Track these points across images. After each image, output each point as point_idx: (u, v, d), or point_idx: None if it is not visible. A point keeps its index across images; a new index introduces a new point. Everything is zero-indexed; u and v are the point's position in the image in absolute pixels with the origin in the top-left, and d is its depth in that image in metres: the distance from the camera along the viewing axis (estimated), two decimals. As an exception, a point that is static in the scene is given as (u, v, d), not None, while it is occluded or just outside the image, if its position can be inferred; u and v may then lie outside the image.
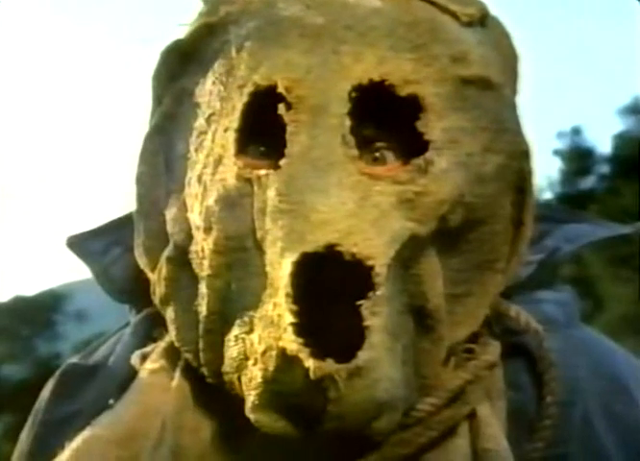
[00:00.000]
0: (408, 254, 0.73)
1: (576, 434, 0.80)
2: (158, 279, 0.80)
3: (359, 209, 0.70)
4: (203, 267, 0.76)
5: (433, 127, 0.74)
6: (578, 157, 8.25)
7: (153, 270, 0.81)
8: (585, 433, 0.80)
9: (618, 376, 0.84)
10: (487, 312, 0.80)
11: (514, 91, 0.83)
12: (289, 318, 0.67)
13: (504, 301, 0.83)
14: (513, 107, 0.81)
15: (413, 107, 0.74)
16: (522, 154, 0.80)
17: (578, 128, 8.37)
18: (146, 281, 0.82)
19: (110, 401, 0.82)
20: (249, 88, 0.74)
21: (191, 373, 0.79)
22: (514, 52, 0.84)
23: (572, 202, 7.94)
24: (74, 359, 0.91)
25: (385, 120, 0.75)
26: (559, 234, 0.88)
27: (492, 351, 0.79)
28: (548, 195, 8.07)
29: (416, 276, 0.74)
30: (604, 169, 8.22)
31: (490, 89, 0.78)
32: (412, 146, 0.75)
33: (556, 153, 8.27)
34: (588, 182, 8.20)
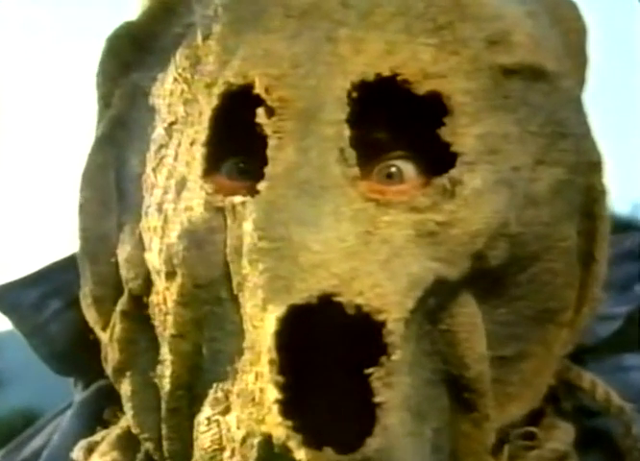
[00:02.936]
0: (435, 305, 0.59)
1: None
2: (110, 341, 0.66)
3: (364, 247, 0.57)
4: (165, 324, 0.63)
5: (464, 134, 0.60)
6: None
7: (104, 328, 0.67)
8: None
9: None
10: (551, 382, 0.65)
11: (580, 81, 0.67)
12: (274, 393, 0.54)
13: (574, 366, 0.68)
14: (577, 102, 0.65)
15: (437, 107, 0.60)
16: (589, 165, 0.65)
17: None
18: (96, 344, 0.68)
19: None
20: (219, 88, 0.62)
21: None
22: (581, 24, 0.68)
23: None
24: None
25: (403, 122, 0.61)
26: None
27: (561, 436, 0.64)
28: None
29: (449, 333, 0.60)
30: None
31: (543, 81, 0.63)
32: (439, 156, 0.60)
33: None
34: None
